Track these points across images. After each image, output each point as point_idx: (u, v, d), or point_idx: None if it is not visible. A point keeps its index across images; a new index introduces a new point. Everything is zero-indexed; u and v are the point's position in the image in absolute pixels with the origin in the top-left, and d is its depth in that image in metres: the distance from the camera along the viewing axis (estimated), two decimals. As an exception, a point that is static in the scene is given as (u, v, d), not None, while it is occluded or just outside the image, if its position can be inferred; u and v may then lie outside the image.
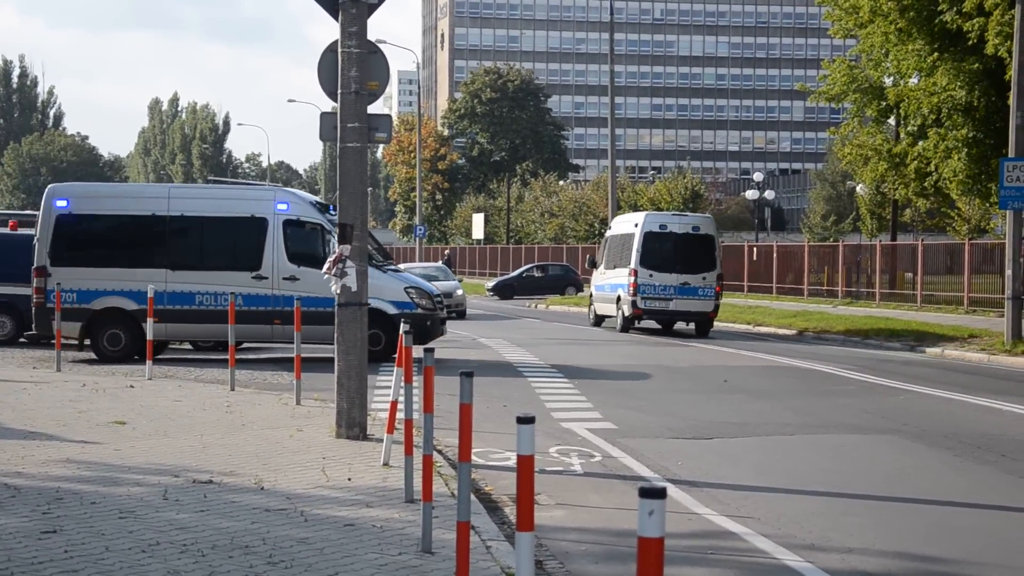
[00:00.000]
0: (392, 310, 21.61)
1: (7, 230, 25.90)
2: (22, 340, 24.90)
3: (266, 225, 21.74)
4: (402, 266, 40.17)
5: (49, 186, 23.23)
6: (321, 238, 21.85)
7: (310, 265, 20.92)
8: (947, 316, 34.29)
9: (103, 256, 21.79)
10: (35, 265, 21.70)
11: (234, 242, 22.03)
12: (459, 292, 39.87)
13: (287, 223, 21.85)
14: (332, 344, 20.65)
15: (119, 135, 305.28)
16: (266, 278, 21.57)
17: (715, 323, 31.60)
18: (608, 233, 35.18)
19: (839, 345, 28.87)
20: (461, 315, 38.45)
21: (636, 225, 31.56)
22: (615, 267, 32.26)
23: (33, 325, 22.52)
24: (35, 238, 22.14)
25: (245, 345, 24.29)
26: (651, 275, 30.45)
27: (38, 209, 23.07)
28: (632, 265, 30.66)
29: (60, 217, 21.80)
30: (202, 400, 15.71)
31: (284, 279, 21.53)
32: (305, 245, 22.03)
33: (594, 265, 35.22)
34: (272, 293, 21.52)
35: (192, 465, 10.82)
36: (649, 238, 30.80)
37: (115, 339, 21.63)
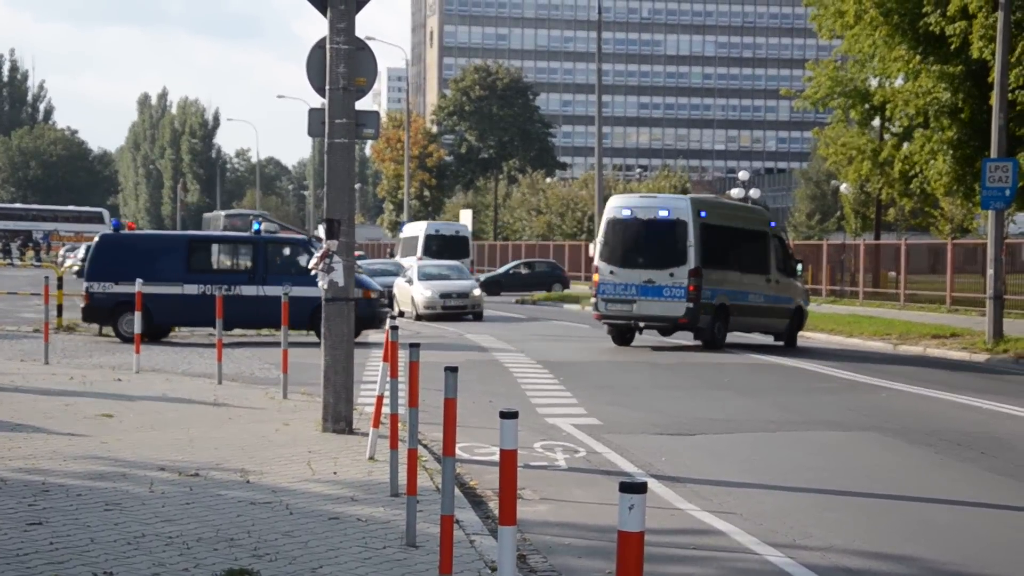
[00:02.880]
0: (805, 307, 28.71)
1: (129, 231, 25.89)
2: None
3: (768, 238, 27.75)
4: (407, 262, 39.43)
5: (690, 197, 28.75)
6: (782, 249, 28.30)
7: (780, 271, 27.69)
8: (930, 315, 34.46)
9: (719, 260, 25.81)
10: (692, 266, 25.08)
11: (756, 251, 27.39)
12: (476, 292, 36.02)
13: (772, 236, 28.03)
14: (769, 332, 27.99)
15: (107, 129, 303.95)
16: (771, 281, 27.34)
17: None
18: (401, 235, 37.60)
19: (823, 343, 28.98)
20: (478, 316, 35.35)
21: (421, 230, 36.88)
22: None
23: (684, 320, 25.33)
24: (682, 242, 25.14)
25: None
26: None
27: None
28: (418, 254, 35.15)
29: (703, 227, 25.24)
30: (189, 394, 15.75)
31: (776, 282, 27.44)
32: (780, 255, 27.93)
33: (392, 255, 36.65)
34: (773, 293, 27.44)
35: (178, 458, 10.87)
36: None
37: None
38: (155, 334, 24.82)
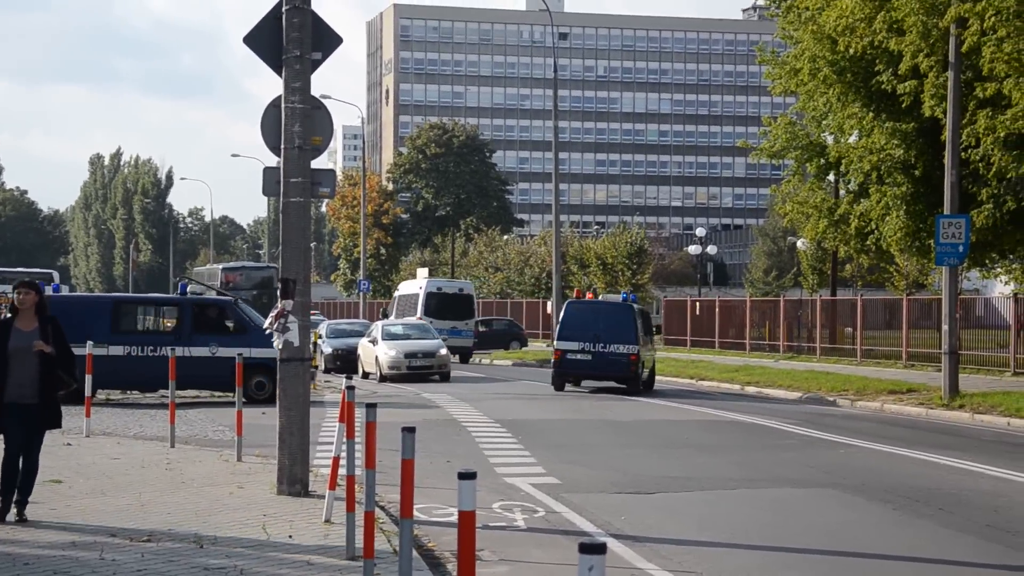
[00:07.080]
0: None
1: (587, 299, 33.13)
2: None
3: None
4: (377, 324, 38.81)
5: None
6: None
7: None
8: (886, 370, 34.64)
9: None
10: None
11: None
12: (442, 352, 34.51)
13: None
14: None
15: (57, 189, 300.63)
16: None
17: (657, 377, 32.87)
18: (397, 293, 51.27)
19: (781, 400, 29.05)
20: (444, 377, 33.83)
21: (420, 288, 47.37)
22: (403, 316, 45.78)
23: None
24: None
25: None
26: (432, 322, 41.34)
27: None
28: (418, 315, 44.39)
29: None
30: (141, 457, 15.52)
31: None
32: None
33: (386, 316, 48.45)
34: None
35: (130, 524, 10.68)
36: (431, 296, 46.68)
37: None
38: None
